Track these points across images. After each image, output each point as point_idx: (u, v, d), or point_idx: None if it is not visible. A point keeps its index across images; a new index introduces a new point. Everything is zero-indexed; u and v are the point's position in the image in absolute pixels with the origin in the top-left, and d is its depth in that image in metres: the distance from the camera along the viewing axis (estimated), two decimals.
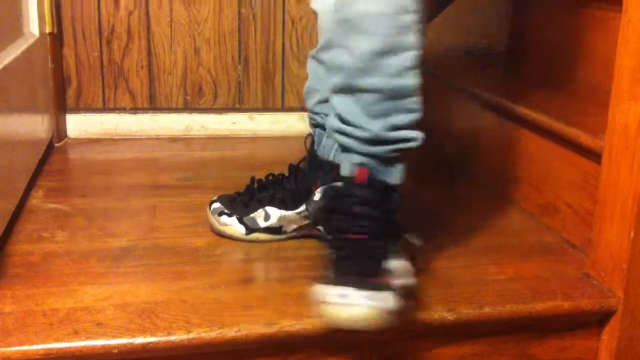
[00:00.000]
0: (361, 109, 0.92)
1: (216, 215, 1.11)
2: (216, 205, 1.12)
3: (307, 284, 0.96)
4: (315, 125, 1.13)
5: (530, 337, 0.98)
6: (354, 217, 0.92)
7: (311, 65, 1.13)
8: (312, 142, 1.12)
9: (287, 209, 1.09)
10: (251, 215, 1.09)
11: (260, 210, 1.09)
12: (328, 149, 1.09)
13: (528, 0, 1.67)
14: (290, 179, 1.12)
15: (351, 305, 0.81)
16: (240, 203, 1.12)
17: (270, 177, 1.15)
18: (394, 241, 0.92)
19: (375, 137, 0.93)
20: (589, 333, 1.00)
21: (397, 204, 0.95)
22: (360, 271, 0.85)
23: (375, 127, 0.92)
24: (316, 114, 1.12)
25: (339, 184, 0.97)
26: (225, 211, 1.11)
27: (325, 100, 1.07)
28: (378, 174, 0.94)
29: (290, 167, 1.13)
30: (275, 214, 1.08)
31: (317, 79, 1.11)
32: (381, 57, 0.89)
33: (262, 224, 1.09)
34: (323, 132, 1.10)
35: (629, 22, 0.94)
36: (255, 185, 1.15)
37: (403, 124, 0.93)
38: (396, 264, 0.90)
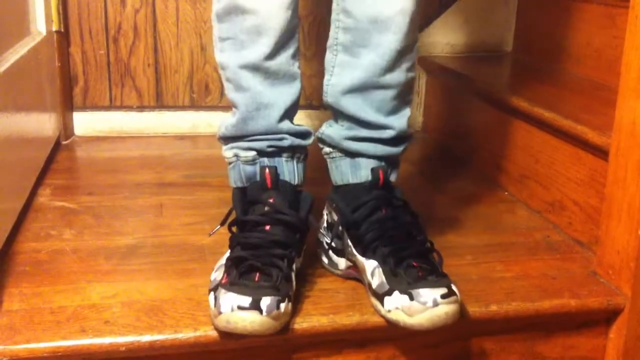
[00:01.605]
0: (376, 108, 0.94)
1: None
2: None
3: (314, 281, 0.96)
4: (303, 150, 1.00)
5: (537, 335, 0.98)
6: (383, 221, 0.91)
7: (248, 78, 0.94)
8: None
9: None
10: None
11: None
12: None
13: (533, 0, 1.66)
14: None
15: (431, 307, 0.81)
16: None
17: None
18: (424, 235, 0.93)
19: (397, 135, 0.95)
20: (596, 331, 1.00)
21: (403, 198, 0.96)
22: (424, 272, 0.85)
23: (397, 123, 0.95)
24: (285, 133, 0.97)
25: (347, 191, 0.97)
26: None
27: (286, 115, 0.97)
28: (388, 175, 0.97)
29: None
30: None
31: (264, 91, 0.95)
32: (403, 53, 0.92)
33: None
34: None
35: (637, 18, 0.94)
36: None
37: (408, 116, 0.97)
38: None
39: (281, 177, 0.95)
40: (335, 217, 0.97)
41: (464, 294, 0.94)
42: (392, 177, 0.99)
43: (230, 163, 0.99)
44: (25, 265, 0.98)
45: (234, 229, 0.93)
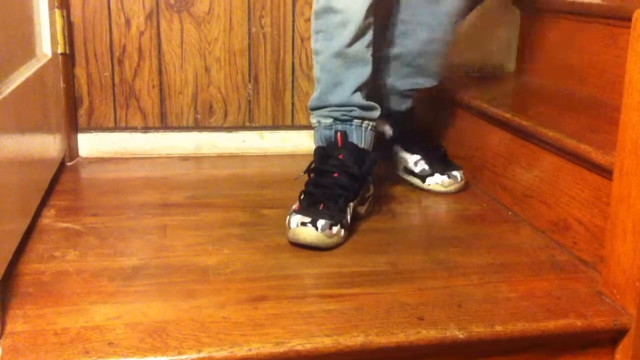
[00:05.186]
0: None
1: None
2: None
3: (318, 302, 0.96)
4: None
5: (543, 355, 0.97)
6: None
7: (333, 63, 1.26)
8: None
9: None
10: None
11: None
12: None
13: (536, 18, 1.67)
14: None
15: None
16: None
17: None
18: None
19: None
20: (602, 352, 0.99)
21: None
22: None
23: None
24: (355, 106, 1.29)
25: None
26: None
27: (357, 91, 1.27)
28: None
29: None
30: None
31: (342, 72, 1.27)
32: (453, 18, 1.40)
33: None
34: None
35: (638, 37, 0.94)
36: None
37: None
38: None
39: (350, 140, 1.26)
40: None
41: (468, 314, 0.94)
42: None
43: (314, 127, 1.32)
44: (29, 287, 0.98)
45: (311, 174, 1.23)
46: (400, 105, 1.46)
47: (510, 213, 1.34)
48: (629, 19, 0.96)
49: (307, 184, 1.22)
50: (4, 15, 1.09)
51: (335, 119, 1.28)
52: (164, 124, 1.65)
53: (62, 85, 1.53)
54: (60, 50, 1.50)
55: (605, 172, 1.05)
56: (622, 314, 0.96)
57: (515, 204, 1.33)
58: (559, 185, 1.19)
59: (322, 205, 1.16)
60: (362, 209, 1.27)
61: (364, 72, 1.27)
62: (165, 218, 1.26)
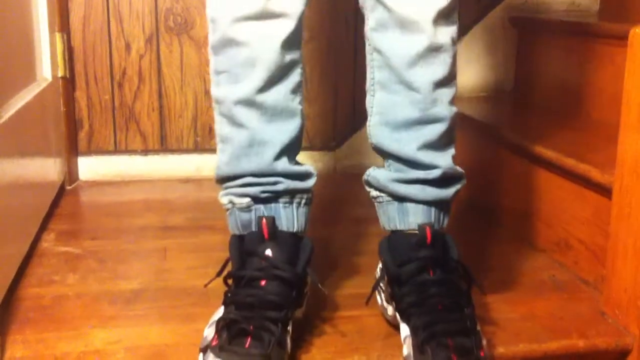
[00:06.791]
0: (420, 145, 0.92)
1: None
2: None
3: (319, 324, 0.96)
4: (276, 194, 0.92)
5: None
6: (426, 285, 0.85)
7: (243, 114, 0.92)
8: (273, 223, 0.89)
9: None
10: None
11: None
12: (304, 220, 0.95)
13: (533, 38, 1.68)
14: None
15: None
16: None
17: None
18: (471, 307, 0.86)
19: (444, 175, 0.92)
20: None
21: (458, 259, 0.90)
22: (457, 353, 0.79)
23: (442, 161, 0.93)
24: (280, 175, 0.93)
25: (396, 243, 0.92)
26: None
27: (283, 154, 0.93)
28: (437, 231, 0.90)
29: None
30: None
31: (260, 128, 0.92)
32: (440, 86, 0.91)
33: None
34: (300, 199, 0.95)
35: (635, 56, 0.94)
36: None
37: (453, 154, 0.96)
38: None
39: (279, 227, 0.90)
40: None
41: None
42: (444, 223, 0.95)
43: (227, 209, 0.95)
44: (28, 312, 0.98)
45: (229, 281, 0.89)
46: None
47: (510, 233, 1.33)
48: (626, 38, 0.97)
49: (225, 303, 0.87)
50: (4, 40, 1.10)
51: (254, 197, 0.92)
52: (164, 147, 1.65)
53: (62, 108, 1.53)
54: (60, 73, 1.51)
55: (605, 191, 1.05)
56: (624, 334, 0.96)
57: (515, 223, 1.33)
58: (558, 204, 1.19)
59: (249, 340, 0.81)
60: (300, 312, 0.92)
61: (290, 127, 0.94)
62: (165, 241, 1.26)
